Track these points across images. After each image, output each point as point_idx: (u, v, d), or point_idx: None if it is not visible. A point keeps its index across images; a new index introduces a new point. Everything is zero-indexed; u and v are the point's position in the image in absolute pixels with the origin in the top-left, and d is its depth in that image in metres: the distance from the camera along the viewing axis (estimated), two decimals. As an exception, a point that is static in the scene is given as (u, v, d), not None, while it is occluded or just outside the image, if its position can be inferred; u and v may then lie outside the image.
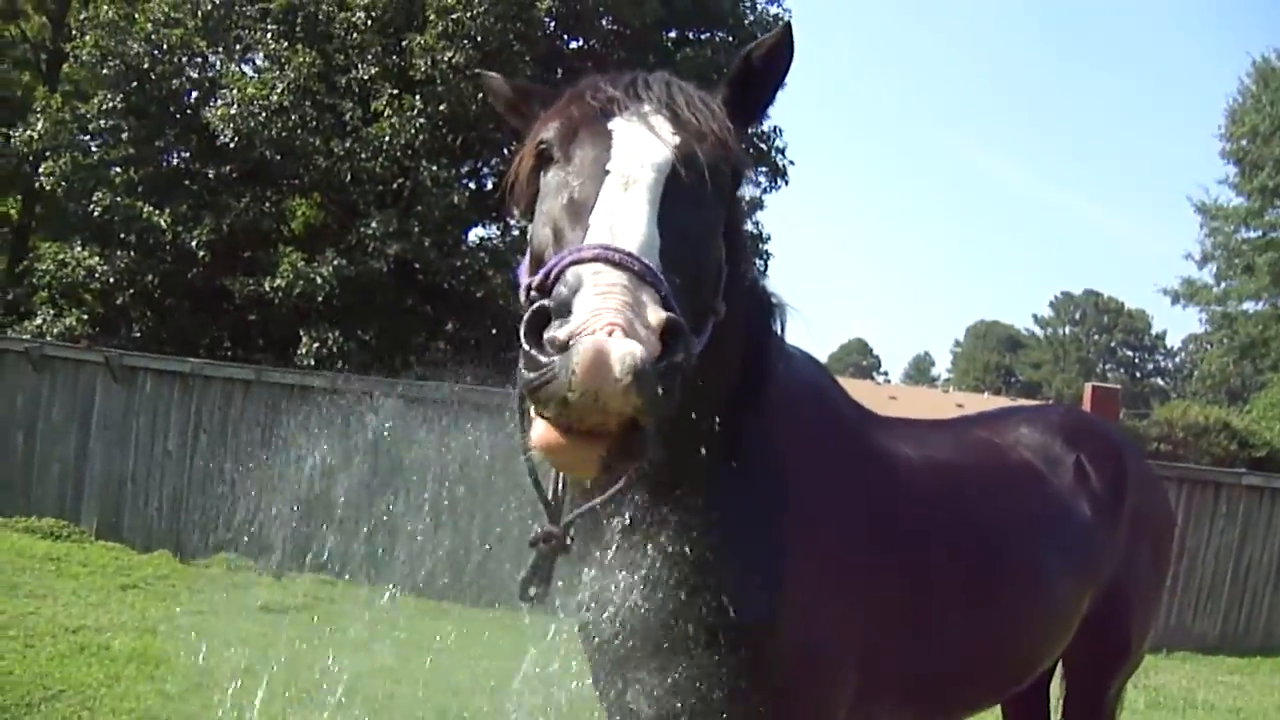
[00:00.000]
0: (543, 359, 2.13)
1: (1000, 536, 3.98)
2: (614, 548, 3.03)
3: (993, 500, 4.04)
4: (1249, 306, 44.89)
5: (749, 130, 2.98)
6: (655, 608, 2.99)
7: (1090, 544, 4.34)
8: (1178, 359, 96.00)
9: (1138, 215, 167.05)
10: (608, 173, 2.56)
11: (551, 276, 2.30)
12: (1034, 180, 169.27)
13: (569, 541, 2.80)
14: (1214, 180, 50.65)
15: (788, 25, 2.92)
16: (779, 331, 3.35)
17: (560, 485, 2.82)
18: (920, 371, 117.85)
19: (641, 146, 2.63)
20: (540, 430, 2.22)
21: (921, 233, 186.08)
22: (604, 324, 2.11)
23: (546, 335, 2.15)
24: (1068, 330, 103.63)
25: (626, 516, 2.99)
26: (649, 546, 2.99)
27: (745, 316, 3.12)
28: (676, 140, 2.67)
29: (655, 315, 2.18)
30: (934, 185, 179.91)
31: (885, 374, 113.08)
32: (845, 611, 3.30)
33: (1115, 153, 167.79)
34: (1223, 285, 45.56)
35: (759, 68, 2.91)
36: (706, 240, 2.65)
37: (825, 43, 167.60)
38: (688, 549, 2.98)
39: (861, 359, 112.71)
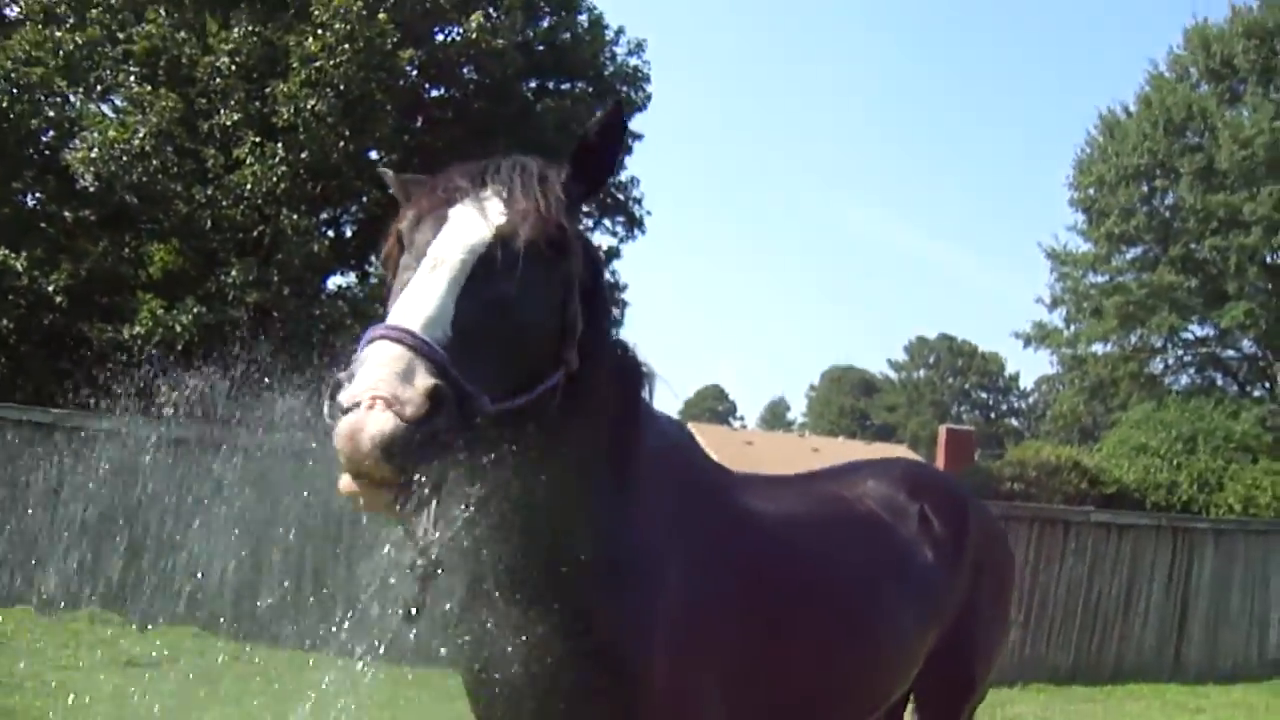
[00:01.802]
0: (333, 423, 2.52)
1: (849, 581, 4.29)
2: (492, 597, 3.33)
3: (841, 549, 4.33)
4: (1098, 348, 46.15)
5: (591, 198, 3.23)
6: (531, 660, 3.27)
7: (933, 586, 4.63)
8: (1031, 400, 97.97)
9: (992, 260, 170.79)
10: (425, 257, 2.88)
11: (357, 351, 2.66)
12: (888, 225, 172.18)
13: (438, 570, 2.96)
14: (1063, 227, 52.17)
15: (618, 104, 3.23)
16: (645, 395, 3.65)
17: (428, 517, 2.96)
18: (776, 416, 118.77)
19: (462, 230, 2.92)
20: (343, 478, 2.58)
21: (777, 279, 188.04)
22: (369, 395, 2.48)
23: (337, 401, 2.54)
24: (922, 374, 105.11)
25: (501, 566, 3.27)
26: (521, 595, 3.29)
27: (612, 378, 3.43)
28: (501, 220, 2.94)
29: (422, 382, 2.51)
30: (789, 231, 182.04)
31: (741, 419, 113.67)
32: (710, 660, 3.56)
33: (969, 199, 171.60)
34: (1073, 328, 46.78)
35: (595, 144, 3.17)
36: (530, 307, 2.89)
37: (682, 90, 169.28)
38: (561, 598, 3.27)
39: (718, 404, 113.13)
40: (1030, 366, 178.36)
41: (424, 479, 2.55)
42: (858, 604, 4.31)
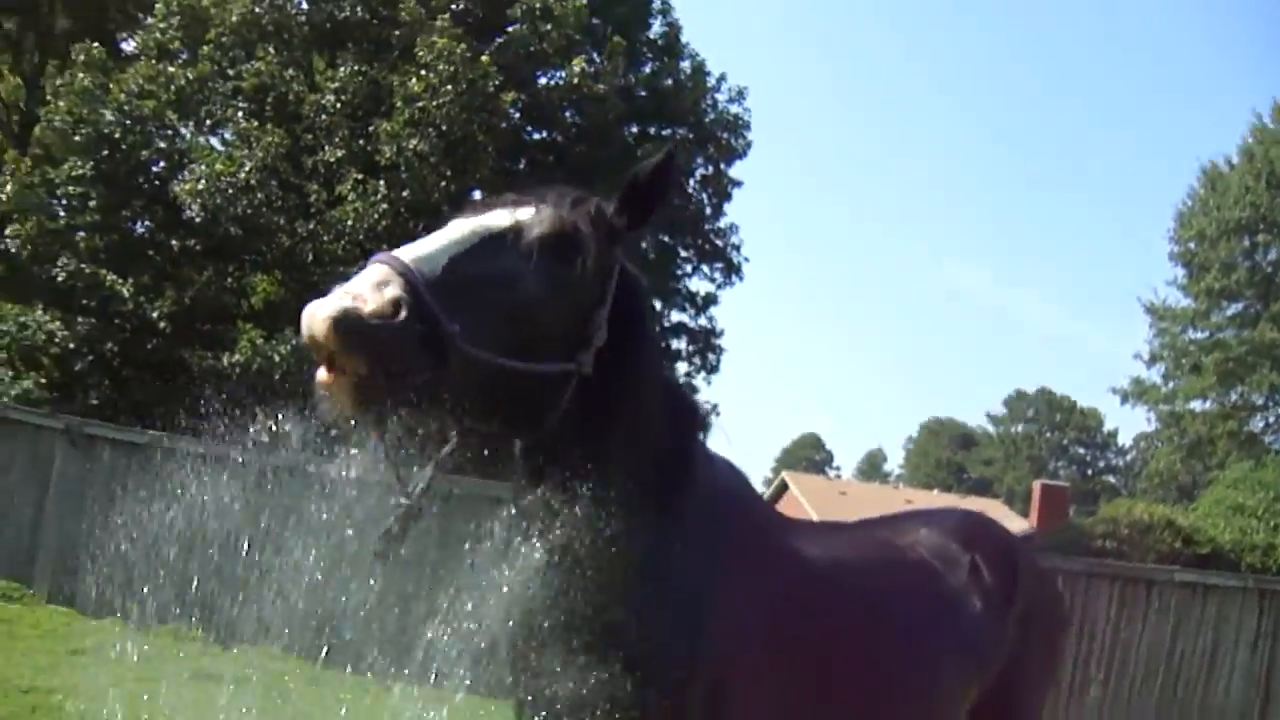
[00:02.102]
0: None
1: (894, 627, 4.31)
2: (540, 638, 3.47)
3: (888, 594, 4.34)
4: (1196, 405, 45.48)
5: (634, 231, 3.37)
6: (576, 689, 3.38)
7: (979, 637, 4.60)
8: (1128, 457, 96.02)
9: (1091, 315, 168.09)
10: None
11: None
12: (988, 278, 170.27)
13: (419, 510, 3.23)
14: (1163, 282, 51.43)
15: (670, 151, 3.40)
16: (700, 437, 3.79)
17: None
18: (873, 467, 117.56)
19: (484, 217, 3.21)
20: (319, 370, 2.87)
21: (878, 329, 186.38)
22: (343, 291, 2.81)
23: None
24: (1020, 428, 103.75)
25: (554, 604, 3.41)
26: (570, 634, 3.41)
27: (661, 414, 3.58)
28: (522, 217, 3.21)
29: (390, 292, 2.80)
30: (891, 282, 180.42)
31: (838, 469, 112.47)
32: (754, 702, 3.64)
33: (1068, 253, 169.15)
34: (1170, 385, 46.22)
35: (644, 185, 3.36)
36: (531, 290, 3.10)
37: (781, 141, 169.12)
38: (607, 633, 3.38)
39: (815, 453, 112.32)
40: (1129, 423, 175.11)
41: (387, 379, 2.77)
42: (902, 650, 4.33)
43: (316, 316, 2.74)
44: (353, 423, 2.95)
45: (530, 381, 3.11)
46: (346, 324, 2.72)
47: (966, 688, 4.63)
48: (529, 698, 3.56)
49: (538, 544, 3.33)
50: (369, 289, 2.80)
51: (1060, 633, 5.60)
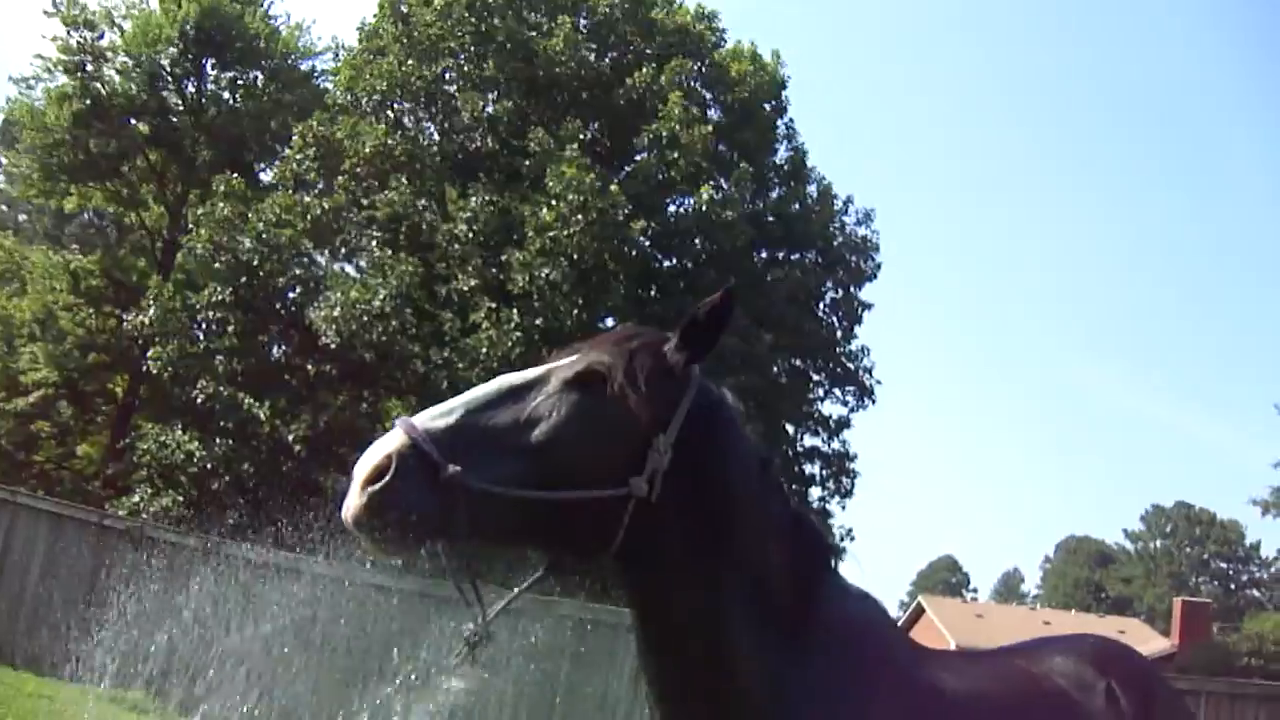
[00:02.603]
0: None
1: None
2: None
3: None
4: (1340, 517, 44.21)
5: (694, 363, 3.41)
6: None
7: None
8: (1273, 569, 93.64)
9: (1228, 423, 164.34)
10: None
11: None
12: (1122, 387, 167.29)
13: (489, 634, 3.34)
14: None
15: (728, 291, 3.43)
16: (829, 565, 3.80)
17: (476, 589, 3.34)
18: (1010, 588, 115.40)
19: (526, 371, 3.36)
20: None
21: (1010, 446, 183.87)
22: (356, 469, 3.04)
23: None
24: (1159, 543, 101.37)
25: None
26: None
27: (787, 548, 3.58)
28: (557, 364, 3.35)
29: (389, 447, 2.98)
30: (1021, 396, 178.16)
31: (974, 590, 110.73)
32: None
33: (1205, 357, 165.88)
34: (1314, 495, 44.90)
35: (701, 321, 3.40)
36: (551, 424, 3.19)
37: (909, 253, 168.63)
38: None
39: (951, 576, 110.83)
40: (1272, 534, 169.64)
41: (412, 537, 3.00)
42: None
43: (347, 521, 3.01)
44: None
45: (577, 510, 3.19)
46: (363, 520, 2.96)
47: None
48: None
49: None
50: (378, 451, 3.02)
51: None
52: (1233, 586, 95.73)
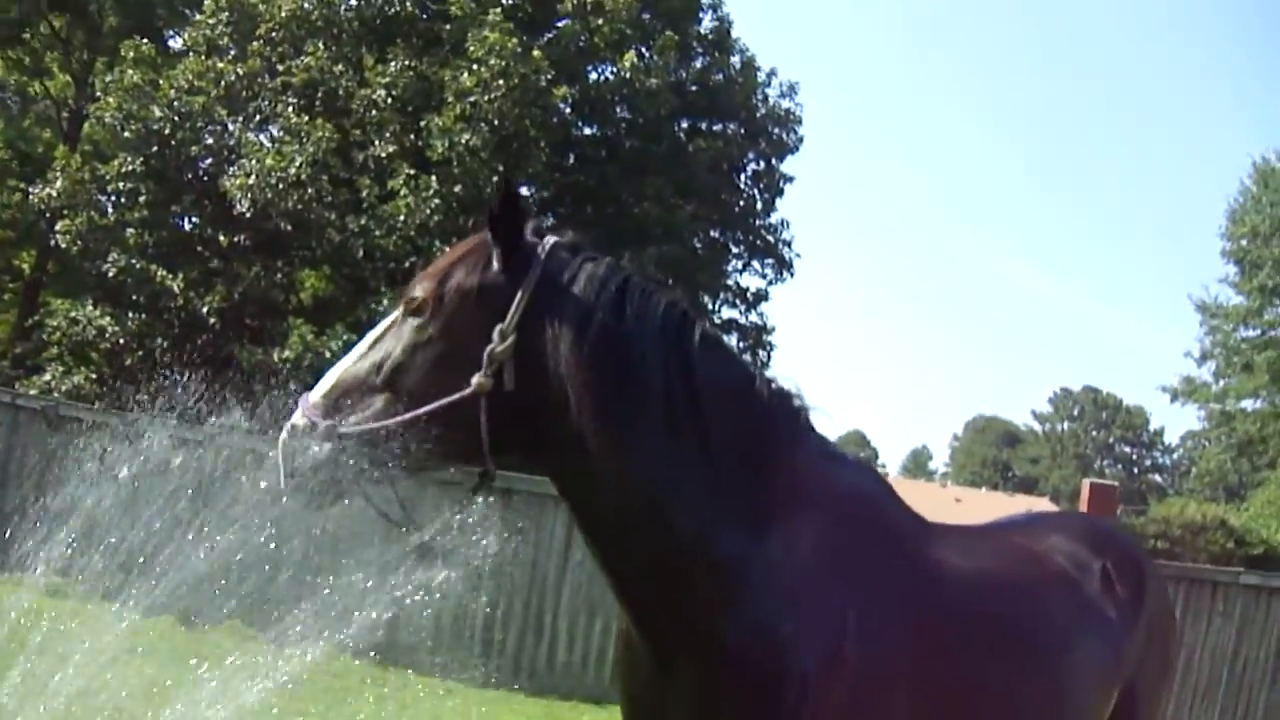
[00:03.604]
0: None
1: (1044, 643, 4.15)
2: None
3: (1036, 608, 4.20)
4: (1247, 404, 44.96)
5: (514, 255, 3.49)
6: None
7: (1118, 650, 4.48)
8: (1175, 455, 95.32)
9: (1138, 312, 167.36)
10: None
11: None
12: (1036, 276, 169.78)
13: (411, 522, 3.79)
14: (1214, 279, 50.84)
15: (506, 180, 3.70)
16: (804, 434, 3.65)
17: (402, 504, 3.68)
18: (918, 464, 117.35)
19: (389, 317, 3.66)
20: None
21: (923, 326, 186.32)
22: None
23: None
24: (1066, 426, 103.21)
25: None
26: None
27: (742, 420, 3.48)
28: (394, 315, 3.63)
29: (285, 427, 3.46)
30: (937, 278, 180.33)
31: (883, 466, 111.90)
32: (886, 709, 3.47)
33: (1117, 250, 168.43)
34: (1221, 383, 45.75)
35: (500, 214, 3.50)
36: (394, 359, 3.47)
37: (835, 133, 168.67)
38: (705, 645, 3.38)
39: (859, 450, 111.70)
40: (1175, 422, 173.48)
41: (318, 488, 3.40)
42: (1053, 667, 4.16)
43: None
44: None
45: (438, 424, 3.36)
46: (287, 489, 3.44)
47: (1109, 698, 4.49)
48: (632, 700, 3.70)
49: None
50: (283, 430, 3.46)
51: (1176, 641, 5.43)
52: (1136, 471, 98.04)
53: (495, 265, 3.48)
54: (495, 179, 21.82)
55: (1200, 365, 46.53)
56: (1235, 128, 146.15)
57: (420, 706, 11.89)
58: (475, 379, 3.34)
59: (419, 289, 3.50)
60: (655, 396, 3.39)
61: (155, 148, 23.47)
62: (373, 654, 11.96)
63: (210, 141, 24.43)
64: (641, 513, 3.37)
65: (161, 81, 23.91)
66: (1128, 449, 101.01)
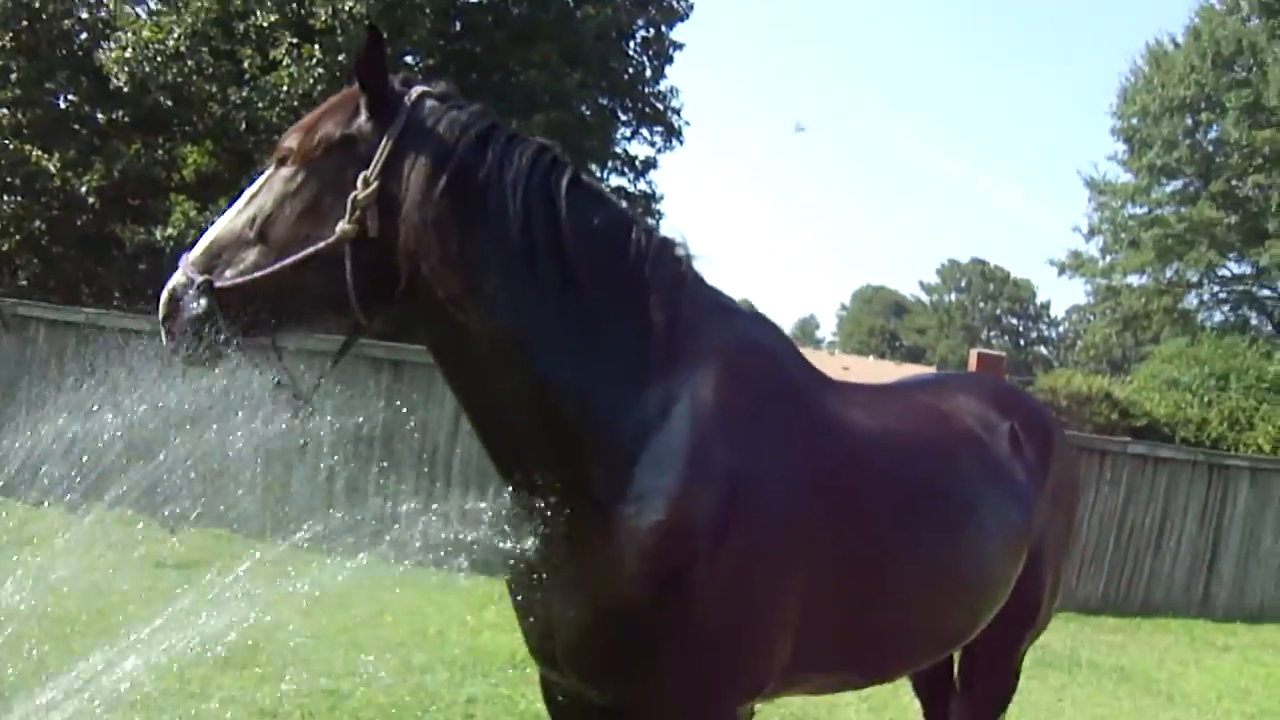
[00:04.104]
0: None
1: (951, 503, 4.12)
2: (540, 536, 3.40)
3: (944, 467, 4.16)
4: (1133, 280, 45.88)
5: (380, 105, 3.44)
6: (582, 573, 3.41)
7: (1027, 511, 4.45)
8: (1061, 329, 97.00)
9: (1027, 187, 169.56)
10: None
11: None
12: (924, 147, 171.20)
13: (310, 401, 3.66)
14: (1104, 157, 51.40)
15: (373, 30, 3.51)
16: (686, 283, 3.55)
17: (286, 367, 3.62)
18: (805, 334, 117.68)
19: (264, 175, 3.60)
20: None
21: (811, 195, 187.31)
22: None
23: None
24: (953, 297, 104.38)
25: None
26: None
27: (616, 268, 3.42)
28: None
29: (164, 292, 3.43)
30: (826, 148, 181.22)
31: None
32: (782, 571, 3.42)
33: (1008, 124, 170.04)
34: (1108, 259, 46.56)
35: (364, 67, 3.45)
36: (269, 210, 3.42)
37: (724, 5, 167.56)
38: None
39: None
40: (1060, 296, 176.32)
41: (198, 341, 3.35)
42: (963, 530, 4.15)
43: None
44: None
45: (306, 273, 3.35)
46: (171, 347, 3.45)
47: (1018, 563, 4.48)
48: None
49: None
50: (164, 290, 3.44)
51: (1078, 502, 5.42)
52: (1023, 343, 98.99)
53: (363, 115, 3.42)
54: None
55: (1088, 241, 47.39)
56: (1130, 6, 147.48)
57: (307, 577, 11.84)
58: (339, 225, 3.31)
59: (289, 140, 3.46)
60: (514, 241, 3.33)
61: (25, 22, 22.70)
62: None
63: (84, 16, 23.66)
64: (503, 370, 3.34)
65: (29, -48, 22.92)
66: (1014, 321, 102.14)
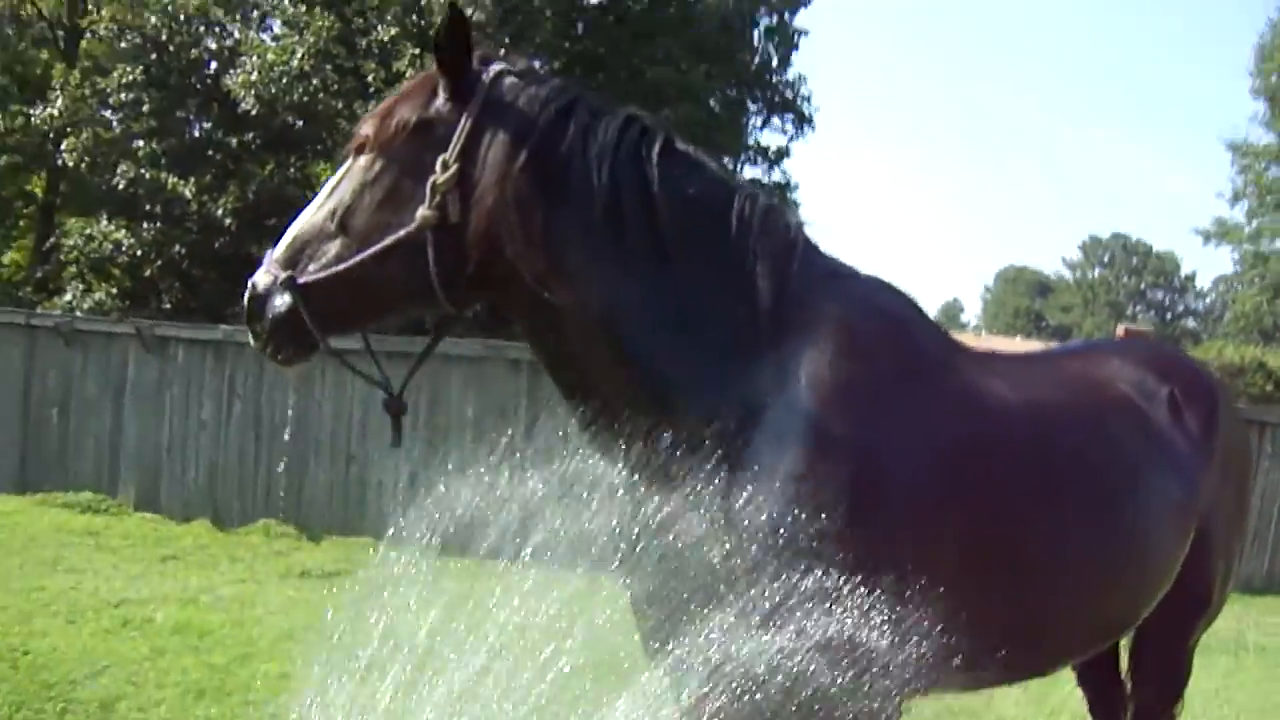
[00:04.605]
0: None
1: (1102, 475, 3.74)
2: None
3: (1093, 437, 3.78)
4: (1281, 244, 44.62)
5: (457, 84, 3.30)
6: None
7: (1192, 484, 4.05)
8: (1208, 300, 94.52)
9: (1168, 154, 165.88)
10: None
11: None
12: (1057, 120, 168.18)
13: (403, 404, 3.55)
14: (1245, 118, 49.89)
15: (452, 6, 3.32)
16: (801, 252, 3.27)
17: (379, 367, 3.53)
18: (950, 318, 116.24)
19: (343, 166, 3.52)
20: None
21: (948, 177, 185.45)
22: None
23: None
24: (1097, 273, 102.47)
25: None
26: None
27: (727, 241, 3.18)
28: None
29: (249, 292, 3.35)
30: (960, 128, 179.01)
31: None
32: (913, 556, 3.07)
33: (1145, 91, 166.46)
34: (1254, 223, 45.15)
35: (444, 43, 3.30)
36: (350, 203, 3.30)
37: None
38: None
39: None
40: (1206, 266, 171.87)
41: (284, 339, 3.32)
42: (1122, 507, 3.75)
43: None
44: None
45: (389, 263, 3.24)
46: (260, 345, 3.37)
47: (1184, 537, 4.04)
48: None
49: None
50: (247, 291, 3.34)
51: (1250, 472, 4.96)
52: (1169, 316, 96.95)
53: (441, 96, 3.29)
54: (503, 52, 21.42)
55: (1233, 206, 45.94)
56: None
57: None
58: (420, 211, 3.20)
59: (366, 128, 3.38)
60: (600, 215, 3.13)
61: (154, 55, 23.37)
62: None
63: (211, 45, 24.25)
64: (596, 349, 3.15)
65: (152, -12, 23.51)
66: (1160, 294, 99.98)
